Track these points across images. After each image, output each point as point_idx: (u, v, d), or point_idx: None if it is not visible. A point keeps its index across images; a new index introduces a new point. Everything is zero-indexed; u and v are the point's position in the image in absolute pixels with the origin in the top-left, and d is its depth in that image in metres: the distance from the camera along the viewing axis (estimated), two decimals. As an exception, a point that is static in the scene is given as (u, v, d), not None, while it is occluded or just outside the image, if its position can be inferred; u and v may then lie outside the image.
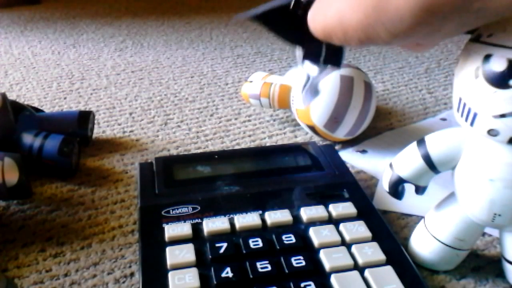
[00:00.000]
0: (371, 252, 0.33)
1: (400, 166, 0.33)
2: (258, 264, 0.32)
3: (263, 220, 0.37)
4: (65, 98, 0.64)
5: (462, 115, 0.29)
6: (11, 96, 0.64)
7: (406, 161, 0.33)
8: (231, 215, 0.37)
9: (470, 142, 0.30)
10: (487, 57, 0.26)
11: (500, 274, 0.34)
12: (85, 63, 0.77)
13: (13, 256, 0.36)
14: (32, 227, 0.39)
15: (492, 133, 0.27)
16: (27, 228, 0.39)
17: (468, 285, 0.34)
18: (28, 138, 0.45)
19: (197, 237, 0.35)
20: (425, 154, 0.32)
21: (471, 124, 0.28)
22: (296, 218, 0.37)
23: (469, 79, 0.28)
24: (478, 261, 0.36)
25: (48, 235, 0.38)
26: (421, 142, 0.32)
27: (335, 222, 0.36)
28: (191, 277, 0.31)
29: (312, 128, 0.51)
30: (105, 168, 0.48)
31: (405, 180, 0.33)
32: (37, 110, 0.52)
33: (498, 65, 0.26)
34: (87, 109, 0.56)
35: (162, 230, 0.35)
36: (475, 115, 0.28)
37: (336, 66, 0.32)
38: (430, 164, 0.32)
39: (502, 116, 0.26)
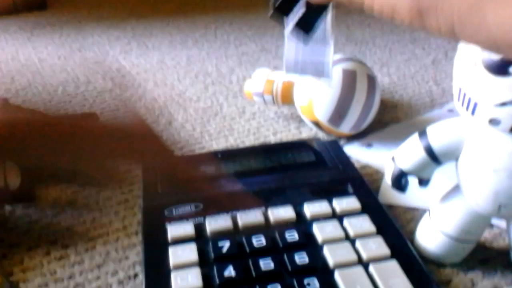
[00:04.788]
0: (376, 246, 0.33)
1: (402, 159, 0.33)
2: (261, 262, 0.32)
3: (266, 218, 0.36)
4: (70, 102, 0.64)
5: (462, 105, 0.28)
6: (18, 101, 0.64)
7: (408, 153, 0.33)
8: (234, 214, 0.37)
9: (472, 132, 0.30)
10: (485, 44, 0.26)
11: (509, 265, 0.33)
12: (91, 66, 0.77)
13: (19, 260, 0.36)
14: (37, 230, 0.39)
15: (493, 122, 0.27)
16: (32, 232, 0.39)
17: (476, 278, 0.33)
18: (32, 143, 0.45)
19: (200, 237, 0.35)
20: (427, 145, 0.31)
21: (472, 113, 0.28)
22: (300, 214, 0.37)
23: (468, 68, 0.27)
24: (486, 253, 0.35)
25: (52, 238, 0.38)
26: (422, 133, 0.32)
27: (339, 217, 0.36)
28: (194, 277, 0.31)
29: (316, 124, 0.50)
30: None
31: (408, 173, 0.33)
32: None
33: (496, 52, 0.25)
34: (92, 112, 0.56)
35: (164, 230, 0.35)
36: (475, 104, 0.27)
37: (304, 31, 0.30)
38: (433, 156, 0.31)
39: (503, 104, 0.26)
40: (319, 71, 0.33)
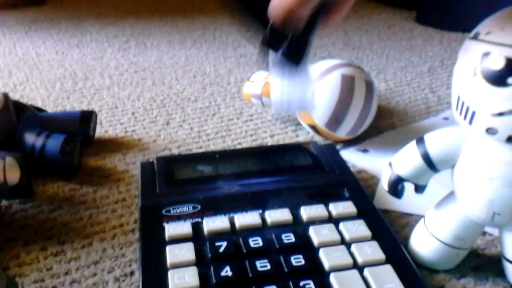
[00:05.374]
0: (371, 251, 0.33)
1: (399, 165, 0.33)
2: (258, 263, 0.32)
3: (263, 219, 0.37)
4: (68, 98, 0.64)
5: (460, 114, 0.29)
6: (15, 96, 0.64)
7: (405, 160, 0.33)
8: (231, 214, 0.37)
9: (469, 141, 0.30)
10: (485, 55, 0.26)
11: (501, 273, 0.34)
12: (89, 63, 0.78)
13: (15, 255, 0.36)
14: (34, 226, 0.39)
15: (490, 131, 0.27)
16: (28, 227, 0.39)
17: (468, 284, 0.34)
18: (30, 138, 0.45)
19: (197, 236, 0.35)
20: (424, 152, 0.32)
21: (470, 122, 0.28)
22: (296, 217, 0.37)
23: (468, 77, 0.28)
24: (478, 260, 0.36)
25: (49, 234, 0.38)
26: (420, 140, 0.32)
27: (335, 221, 0.36)
28: (191, 276, 0.31)
29: (314, 128, 0.51)
30: (106, 168, 0.48)
31: (404, 179, 0.33)
32: (40, 110, 0.52)
33: (496, 63, 0.26)
34: (90, 109, 0.56)
35: (162, 229, 0.36)
36: (473, 113, 0.28)
37: (295, 63, 0.31)
38: (429, 163, 0.32)
39: (500, 114, 0.26)
40: (304, 106, 0.37)
